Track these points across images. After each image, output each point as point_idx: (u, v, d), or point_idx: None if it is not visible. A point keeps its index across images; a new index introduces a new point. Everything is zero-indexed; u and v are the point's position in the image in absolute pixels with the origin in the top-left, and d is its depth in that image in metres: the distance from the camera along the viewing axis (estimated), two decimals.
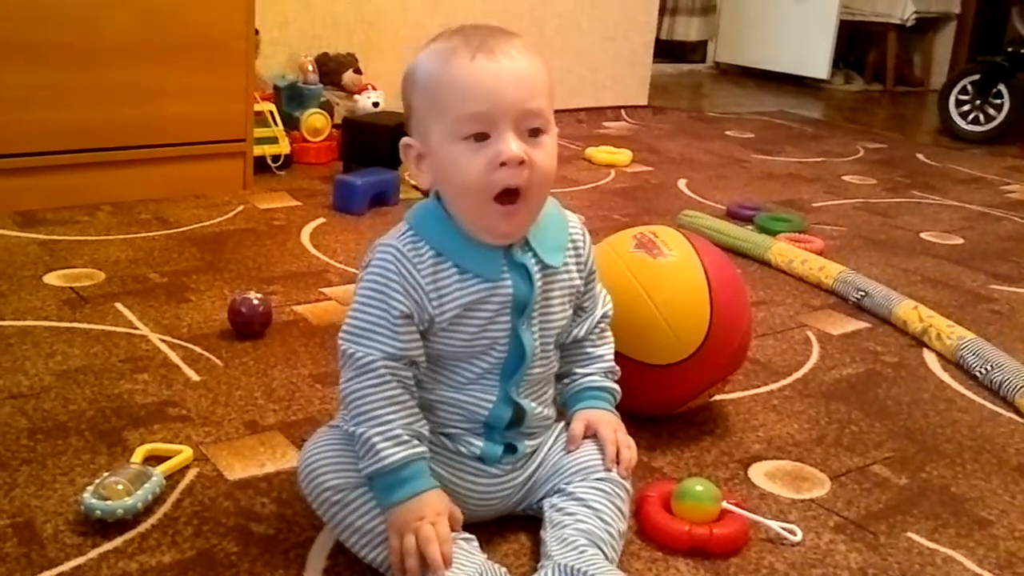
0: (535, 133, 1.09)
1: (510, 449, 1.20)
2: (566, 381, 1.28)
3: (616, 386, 1.29)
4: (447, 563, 1.05)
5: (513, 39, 1.11)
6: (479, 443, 1.18)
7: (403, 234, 1.14)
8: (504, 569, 1.11)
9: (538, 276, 1.16)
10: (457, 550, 1.09)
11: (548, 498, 1.20)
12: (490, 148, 1.08)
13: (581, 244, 1.23)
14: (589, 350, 1.28)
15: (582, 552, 1.09)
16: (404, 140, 1.16)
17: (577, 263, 1.22)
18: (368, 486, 1.11)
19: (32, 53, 2.27)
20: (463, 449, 1.18)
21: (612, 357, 1.29)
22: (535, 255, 1.17)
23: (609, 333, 1.30)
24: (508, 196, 1.09)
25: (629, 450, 1.22)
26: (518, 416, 1.19)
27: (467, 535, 1.12)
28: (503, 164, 1.07)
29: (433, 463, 1.13)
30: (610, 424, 1.24)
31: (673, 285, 1.42)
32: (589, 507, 1.15)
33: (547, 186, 1.13)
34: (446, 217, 1.14)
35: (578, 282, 1.23)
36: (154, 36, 2.43)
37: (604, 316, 1.29)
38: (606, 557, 1.10)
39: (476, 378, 1.17)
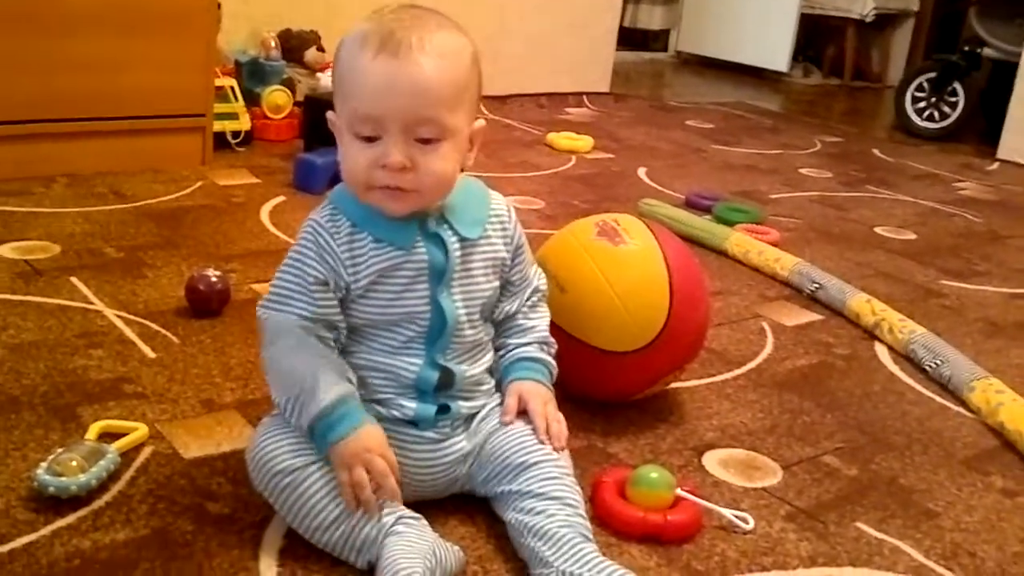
0: (426, 140, 1.11)
1: (443, 409, 1.21)
2: (500, 353, 1.30)
3: (550, 359, 1.30)
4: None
5: (434, 33, 1.12)
6: (411, 405, 1.20)
7: (323, 208, 1.20)
8: (457, 548, 1.12)
9: (456, 246, 1.19)
10: (407, 529, 1.10)
11: (504, 501, 1.18)
12: (375, 148, 1.11)
13: (507, 219, 1.26)
14: (521, 322, 1.30)
15: (580, 549, 1.10)
16: (329, 113, 1.18)
17: (503, 237, 1.25)
18: (317, 464, 1.11)
19: None
20: (396, 414, 1.19)
21: (547, 330, 1.31)
22: (452, 228, 1.20)
23: (544, 307, 1.33)
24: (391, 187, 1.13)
25: (559, 424, 1.23)
26: (446, 379, 1.21)
27: (416, 515, 1.13)
28: (384, 166, 1.11)
29: None
30: (540, 397, 1.25)
31: (633, 273, 1.43)
32: (554, 498, 1.14)
33: (439, 188, 1.16)
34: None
35: (503, 254, 1.25)
36: (115, 6, 2.40)
37: (536, 291, 1.31)
38: (591, 541, 1.12)
39: (402, 345, 1.19)
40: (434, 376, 1.20)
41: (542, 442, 1.20)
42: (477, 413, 1.25)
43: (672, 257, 1.45)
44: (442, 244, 1.19)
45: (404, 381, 1.20)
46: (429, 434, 1.20)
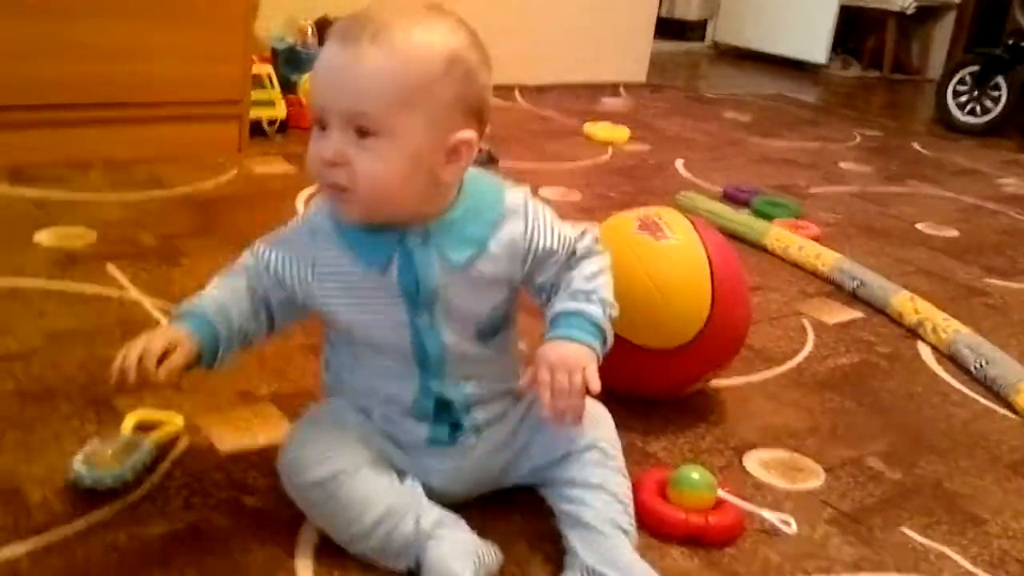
0: (363, 134, 1.03)
1: (456, 427, 1.16)
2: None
3: (581, 305, 1.11)
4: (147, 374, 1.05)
5: (403, 28, 1.03)
6: (422, 428, 1.15)
7: (318, 209, 1.15)
8: (495, 547, 1.11)
9: (435, 271, 1.09)
10: (449, 531, 1.09)
11: (548, 488, 1.17)
12: (322, 140, 1.05)
13: (521, 231, 1.12)
14: (561, 288, 1.14)
15: (611, 544, 1.09)
16: None
17: (512, 252, 1.12)
18: (348, 472, 1.08)
19: (29, 4, 2.24)
20: (411, 438, 1.15)
21: (588, 279, 1.13)
22: (438, 248, 1.09)
23: (587, 261, 1.15)
24: (333, 187, 1.06)
25: (570, 397, 1.06)
26: (443, 406, 1.15)
27: (454, 515, 1.11)
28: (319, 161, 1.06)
29: (394, 452, 1.15)
30: (546, 361, 1.07)
31: (675, 268, 1.41)
32: (594, 486, 1.12)
33: (376, 191, 1.05)
34: None
35: (511, 273, 1.13)
36: None
37: (572, 255, 1.15)
38: (627, 533, 1.11)
39: (393, 370, 1.14)
40: (429, 405, 1.14)
41: (556, 419, 1.07)
42: (504, 413, 1.19)
43: (714, 253, 1.43)
44: (418, 264, 1.09)
45: (404, 406, 1.15)
46: (451, 450, 1.17)
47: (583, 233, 1.16)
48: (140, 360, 1.04)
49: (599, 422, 1.18)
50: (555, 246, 1.13)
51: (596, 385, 1.06)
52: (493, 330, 1.16)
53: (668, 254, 1.42)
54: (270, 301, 1.15)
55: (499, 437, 1.19)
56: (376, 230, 1.09)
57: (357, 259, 1.10)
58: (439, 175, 1.06)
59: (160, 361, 1.05)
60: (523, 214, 1.13)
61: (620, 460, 1.17)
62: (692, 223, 1.47)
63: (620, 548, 1.09)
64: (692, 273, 1.41)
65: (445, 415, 1.15)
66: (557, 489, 1.15)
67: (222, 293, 1.14)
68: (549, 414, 1.07)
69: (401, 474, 1.14)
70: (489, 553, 1.09)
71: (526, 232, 1.13)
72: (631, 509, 1.13)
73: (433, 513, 1.10)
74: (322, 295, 1.12)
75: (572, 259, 1.15)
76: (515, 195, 1.14)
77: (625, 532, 1.11)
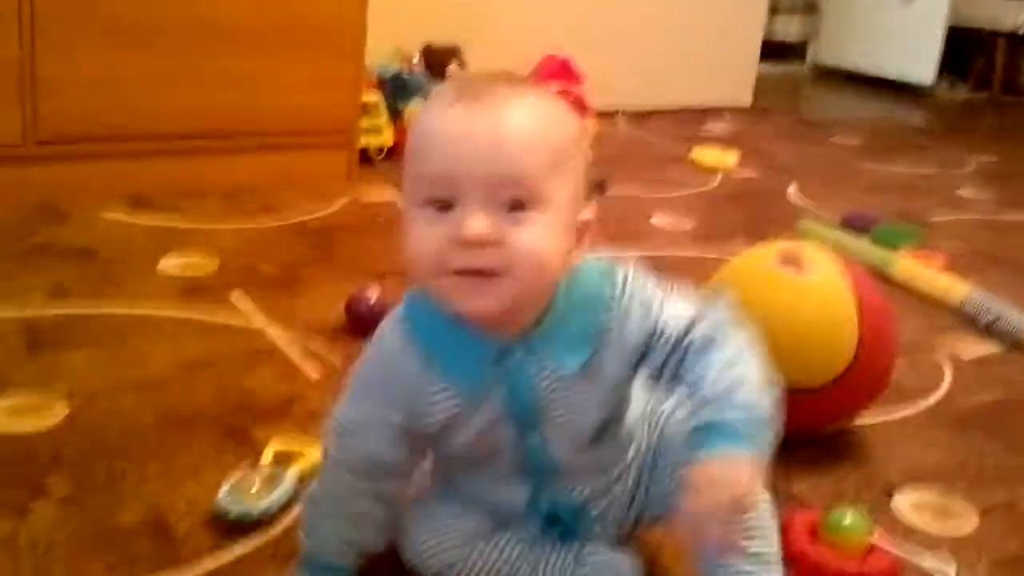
0: (516, 207, 0.88)
1: (570, 532, 1.07)
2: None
3: (720, 417, 0.92)
4: None
5: (531, 91, 0.92)
6: (535, 527, 1.07)
7: (393, 327, 1.00)
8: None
9: (545, 388, 0.96)
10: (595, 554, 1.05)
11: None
12: (451, 218, 0.87)
13: (637, 319, 0.97)
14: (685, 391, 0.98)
15: None
16: (399, 199, 0.98)
17: (624, 345, 0.98)
18: (479, 550, 1.05)
19: (147, 37, 2.28)
20: (523, 534, 1.07)
21: (721, 375, 0.94)
22: (539, 357, 0.96)
23: (703, 355, 0.96)
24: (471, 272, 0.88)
25: (725, 525, 0.89)
26: (554, 517, 1.06)
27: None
28: (462, 242, 0.87)
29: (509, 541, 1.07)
30: (700, 488, 0.88)
31: (821, 305, 1.37)
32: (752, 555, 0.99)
33: (537, 274, 0.90)
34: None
35: (626, 367, 0.99)
36: (267, 23, 2.43)
37: (679, 344, 0.97)
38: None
39: (501, 474, 1.04)
40: (542, 513, 1.06)
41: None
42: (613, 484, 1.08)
43: (860, 288, 1.39)
44: (522, 388, 0.97)
45: (515, 510, 1.06)
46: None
47: (703, 311, 0.98)
48: None
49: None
50: (669, 330, 0.97)
51: (748, 502, 0.90)
52: (606, 429, 1.04)
53: (813, 290, 1.38)
54: (386, 466, 1.02)
55: (616, 508, 1.09)
56: (466, 343, 0.95)
57: (450, 388, 0.97)
58: (569, 260, 0.94)
59: None
60: (634, 299, 0.98)
61: (770, 520, 1.02)
62: (833, 257, 1.43)
63: None
64: (838, 310, 1.37)
65: (557, 524, 1.07)
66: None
67: (341, 520, 1.04)
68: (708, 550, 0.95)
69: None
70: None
71: (641, 318, 0.97)
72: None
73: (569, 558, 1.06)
74: (422, 422, 0.99)
75: (692, 347, 0.96)
76: (618, 277, 0.98)
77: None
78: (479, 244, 0.86)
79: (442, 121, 0.89)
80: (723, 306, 0.99)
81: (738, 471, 0.88)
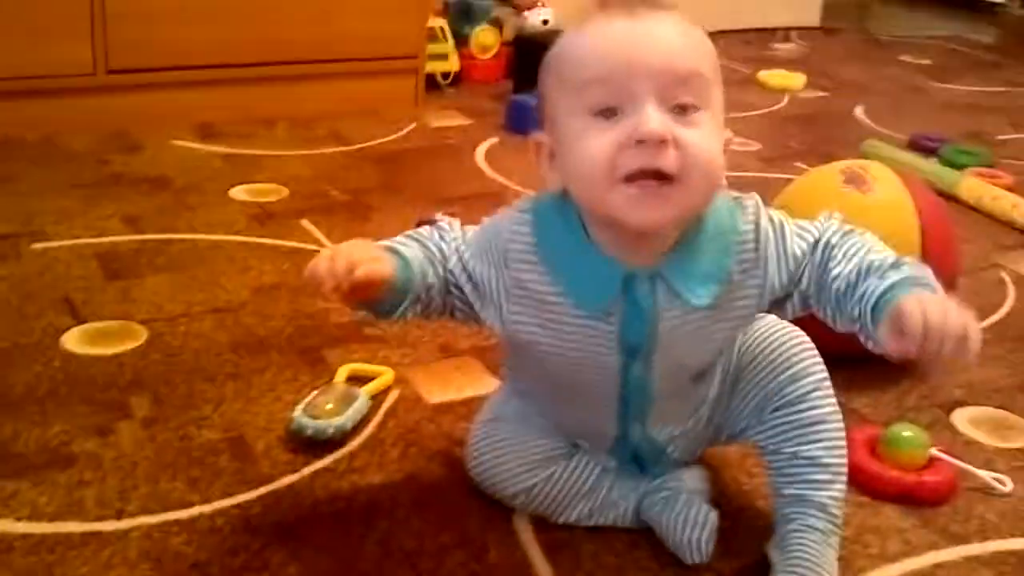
0: (686, 109, 0.87)
1: (647, 467, 1.10)
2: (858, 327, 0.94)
3: (907, 272, 0.91)
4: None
5: (670, 8, 0.92)
6: (613, 463, 1.10)
7: (518, 216, 0.98)
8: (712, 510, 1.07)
9: (668, 318, 0.95)
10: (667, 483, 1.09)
11: (765, 449, 1.07)
12: (622, 124, 0.87)
13: (752, 259, 0.97)
14: (837, 286, 0.95)
15: (793, 533, 1.02)
16: (534, 136, 0.97)
17: (756, 283, 0.97)
18: (547, 476, 1.08)
19: None
20: (600, 462, 1.10)
21: (872, 256, 0.94)
22: (670, 290, 0.94)
23: (844, 245, 0.97)
24: (648, 176, 0.87)
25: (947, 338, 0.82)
26: (644, 450, 1.08)
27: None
28: (640, 142, 0.86)
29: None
30: (912, 301, 0.85)
31: (884, 223, 1.35)
32: (799, 460, 1.03)
33: (709, 176, 0.89)
34: (571, 213, 0.95)
35: (755, 305, 0.99)
36: None
37: (825, 247, 0.97)
38: (831, 516, 1.02)
39: (589, 406, 1.04)
40: (627, 453, 1.08)
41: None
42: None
43: (924, 208, 1.39)
44: (644, 316, 0.95)
45: (602, 439, 1.08)
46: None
47: (826, 223, 1.00)
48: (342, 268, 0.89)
49: (803, 355, 1.06)
50: (802, 247, 0.98)
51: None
52: (710, 369, 1.05)
53: (876, 209, 1.38)
54: (452, 290, 1.00)
55: (690, 444, 1.11)
56: (594, 262, 0.94)
57: (565, 292, 0.95)
58: (723, 170, 0.93)
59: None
60: (771, 239, 0.97)
61: (831, 406, 1.06)
62: (899, 176, 1.44)
63: (812, 547, 1.01)
64: (901, 228, 1.37)
65: (640, 459, 1.10)
66: (764, 458, 1.08)
67: (422, 249, 0.99)
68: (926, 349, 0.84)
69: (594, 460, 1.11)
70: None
71: (761, 249, 0.97)
72: (841, 482, 1.05)
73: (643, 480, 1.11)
74: (516, 318, 0.98)
75: (828, 249, 0.97)
76: (748, 214, 0.98)
77: (830, 516, 1.03)
78: (658, 140, 0.85)
79: (607, 32, 0.89)
80: (836, 219, 1.00)
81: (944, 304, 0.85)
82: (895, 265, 0.93)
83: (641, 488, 1.10)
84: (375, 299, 0.94)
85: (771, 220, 0.98)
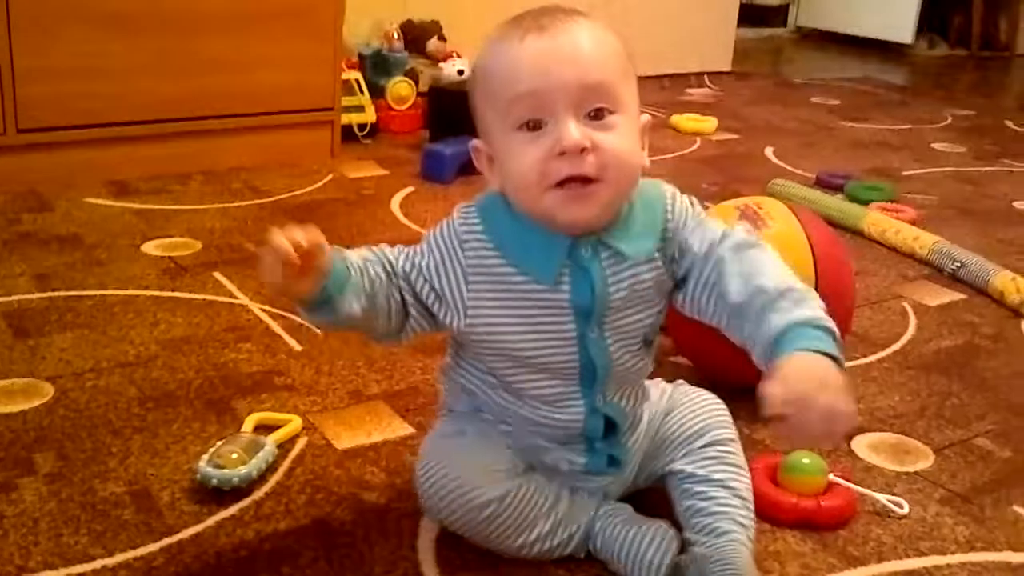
0: (599, 115, 0.97)
1: (613, 462, 1.14)
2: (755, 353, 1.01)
3: (805, 312, 0.98)
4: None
5: (576, 16, 1.00)
6: (582, 459, 1.12)
7: (465, 209, 1.07)
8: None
9: (612, 280, 1.04)
10: (617, 511, 1.12)
11: (670, 477, 1.15)
12: (546, 137, 0.97)
13: (670, 226, 1.07)
14: (736, 301, 1.02)
15: (720, 538, 1.07)
16: (473, 143, 1.07)
17: (666, 246, 1.07)
18: (516, 484, 1.08)
19: (125, 22, 2.31)
20: (564, 467, 1.13)
21: (775, 276, 1.02)
22: (613, 253, 1.04)
23: (748, 252, 1.05)
24: (573, 181, 0.97)
25: (825, 422, 0.90)
26: (611, 423, 1.11)
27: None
28: (562, 153, 0.96)
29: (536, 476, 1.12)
30: (784, 378, 0.91)
31: (779, 255, 1.41)
32: (711, 482, 1.12)
33: (626, 174, 1.00)
34: (511, 206, 1.04)
35: (664, 277, 1.07)
36: (245, 5, 2.45)
37: (724, 250, 1.05)
38: (744, 526, 1.09)
39: (557, 395, 1.08)
40: (600, 424, 1.10)
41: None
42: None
43: (817, 240, 1.43)
44: (591, 280, 1.03)
45: (570, 432, 1.11)
46: (602, 478, 1.15)
47: (735, 227, 1.10)
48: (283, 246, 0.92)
49: (714, 412, 1.19)
50: (706, 235, 1.06)
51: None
52: (654, 336, 1.13)
53: (770, 242, 1.41)
54: (407, 298, 1.05)
55: (636, 447, 1.17)
56: (539, 238, 1.03)
57: (520, 269, 1.03)
58: (641, 161, 1.03)
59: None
60: (682, 204, 1.08)
61: (739, 454, 1.16)
62: (792, 210, 1.48)
63: (738, 548, 1.07)
64: (794, 261, 1.38)
65: (609, 439, 1.12)
66: (679, 484, 1.14)
67: (357, 254, 1.04)
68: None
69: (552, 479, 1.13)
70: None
71: (677, 222, 1.07)
72: (750, 503, 1.12)
73: (595, 500, 1.13)
74: (475, 303, 1.05)
75: (728, 253, 1.05)
76: (667, 189, 1.09)
77: (743, 525, 1.09)
78: (578, 150, 0.96)
79: (520, 52, 0.98)
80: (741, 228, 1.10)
81: (831, 373, 0.93)
82: (791, 296, 0.99)
83: (601, 511, 1.12)
84: (316, 289, 0.97)
85: (684, 201, 1.09)
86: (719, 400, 1.21)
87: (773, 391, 0.89)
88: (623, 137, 0.99)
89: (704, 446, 1.15)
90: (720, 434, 1.16)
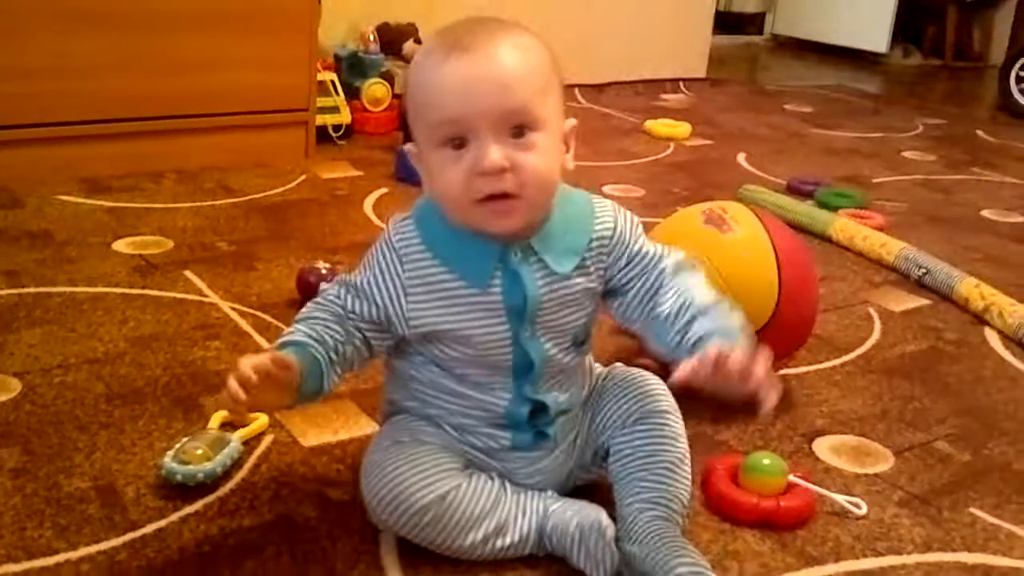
0: (520, 133, 1.02)
1: (541, 435, 1.16)
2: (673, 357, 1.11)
3: (729, 322, 1.10)
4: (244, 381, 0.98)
5: (505, 32, 1.04)
6: (506, 435, 1.16)
7: (401, 222, 1.12)
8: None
9: (541, 284, 1.10)
10: (561, 503, 1.14)
11: (609, 458, 1.19)
12: (469, 156, 1.02)
13: (608, 240, 1.14)
14: (662, 310, 1.13)
15: (650, 511, 1.11)
16: (408, 147, 1.12)
17: (601, 265, 1.14)
18: (459, 484, 1.10)
19: (100, 20, 2.31)
20: (493, 444, 1.16)
21: (696, 296, 1.12)
22: (540, 260, 1.10)
23: (681, 276, 1.15)
24: (495, 197, 1.03)
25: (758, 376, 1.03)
26: (538, 410, 1.15)
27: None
28: (482, 174, 1.02)
29: (477, 456, 1.16)
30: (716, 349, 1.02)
31: (742, 261, 1.43)
32: (644, 456, 1.15)
33: (543, 189, 1.06)
34: (443, 216, 1.09)
35: (594, 285, 1.14)
36: (220, 5, 2.46)
37: (662, 273, 1.15)
38: (676, 500, 1.13)
39: (487, 380, 1.13)
40: (525, 410, 1.14)
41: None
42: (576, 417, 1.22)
43: (781, 244, 1.45)
44: (522, 282, 1.09)
45: (492, 412, 1.15)
46: (531, 455, 1.17)
47: (671, 250, 1.18)
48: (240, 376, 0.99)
49: (654, 391, 1.21)
50: (648, 250, 1.16)
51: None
52: (585, 337, 1.19)
53: (734, 247, 1.44)
54: (361, 327, 1.12)
55: (571, 438, 1.21)
56: (472, 245, 1.08)
57: (455, 274, 1.09)
58: (563, 166, 1.09)
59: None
60: (610, 220, 1.14)
61: (677, 425, 1.19)
62: (757, 215, 1.49)
63: (667, 525, 1.10)
64: (758, 265, 1.43)
65: (535, 420, 1.15)
66: (615, 463, 1.17)
67: (310, 325, 1.10)
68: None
69: (491, 476, 1.15)
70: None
71: (614, 238, 1.14)
72: (684, 475, 1.15)
73: (542, 500, 1.14)
74: (415, 312, 1.10)
75: (663, 277, 1.15)
76: (602, 201, 1.16)
77: (675, 500, 1.13)
78: (497, 172, 1.01)
79: (443, 75, 1.02)
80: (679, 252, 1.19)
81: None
82: (713, 310, 1.11)
83: (552, 508, 1.13)
84: (295, 386, 1.05)
85: (627, 217, 1.17)
86: (655, 377, 1.23)
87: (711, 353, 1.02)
88: (541, 155, 1.04)
89: (636, 420, 1.18)
90: (654, 406, 1.19)
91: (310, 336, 1.09)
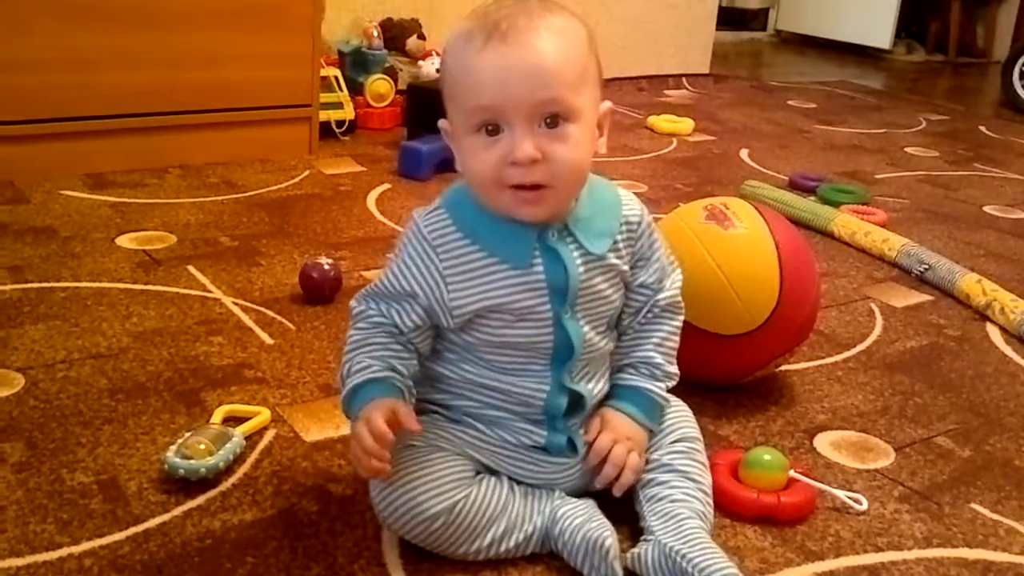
0: (554, 123, 1.03)
1: (572, 447, 1.17)
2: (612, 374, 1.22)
3: (651, 387, 1.21)
4: (382, 444, 1.03)
5: (542, 16, 1.04)
6: (542, 432, 1.16)
7: (432, 211, 1.13)
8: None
9: (579, 263, 1.12)
10: (571, 507, 1.13)
11: (668, 466, 1.19)
12: (502, 143, 1.03)
13: (636, 227, 1.17)
14: (630, 340, 1.22)
15: (681, 523, 1.10)
16: (441, 122, 1.13)
17: (628, 246, 1.17)
18: (466, 495, 1.10)
19: (103, 15, 2.31)
20: (524, 440, 1.16)
21: (664, 342, 1.22)
22: (576, 241, 1.12)
23: (663, 320, 1.22)
24: (525, 187, 1.05)
25: (631, 472, 1.15)
26: (575, 402, 1.16)
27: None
28: (514, 163, 1.03)
29: (489, 454, 1.16)
30: (611, 434, 1.16)
31: (743, 257, 1.43)
32: (677, 471, 1.17)
33: (575, 179, 1.08)
34: (477, 198, 1.11)
35: (626, 268, 1.17)
36: (224, 0, 2.46)
37: (655, 304, 1.21)
38: (705, 518, 1.13)
39: (523, 367, 1.14)
40: (563, 401, 1.15)
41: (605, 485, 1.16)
42: None
43: (782, 240, 1.45)
44: (562, 261, 1.11)
45: (531, 405, 1.15)
46: (559, 460, 1.18)
47: (673, 276, 1.23)
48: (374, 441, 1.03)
49: (686, 417, 1.24)
50: (654, 250, 1.20)
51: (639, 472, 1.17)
52: (613, 324, 1.21)
53: (736, 243, 1.44)
54: (411, 337, 1.13)
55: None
56: (510, 226, 1.09)
57: (495, 256, 1.10)
58: (596, 150, 1.10)
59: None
60: (637, 209, 1.18)
61: (703, 454, 1.21)
62: (759, 211, 1.50)
63: (696, 531, 1.10)
64: (760, 260, 1.43)
65: (572, 416, 1.17)
66: (644, 472, 1.18)
67: (377, 356, 1.11)
68: (600, 479, 1.16)
69: (502, 477, 1.16)
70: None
71: (639, 226, 1.18)
72: (711, 500, 1.17)
73: (550, 501, 1.14)
74: (458, 298, 1.11)
75: (655, 309, 1.21)
76: (635, 200, 1.20)
77: (704, 517, 1.13)
78: (528, 163, 1.03)
79: (481, 62, 1.03)
80: (679, 279, 1.24)
81: (630, 429, 1.18)
82: (659, 370, 1.22)
83: (560, 511, 1.12)
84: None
85: (652, 222, 1.21)
86: (684, 404, 1.27)
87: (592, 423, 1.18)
88: (573, 145, 1.05)
89: (674, 441, 1.20)
90: (688, 432, 1.22)
91: (385, 368, 1.10)
